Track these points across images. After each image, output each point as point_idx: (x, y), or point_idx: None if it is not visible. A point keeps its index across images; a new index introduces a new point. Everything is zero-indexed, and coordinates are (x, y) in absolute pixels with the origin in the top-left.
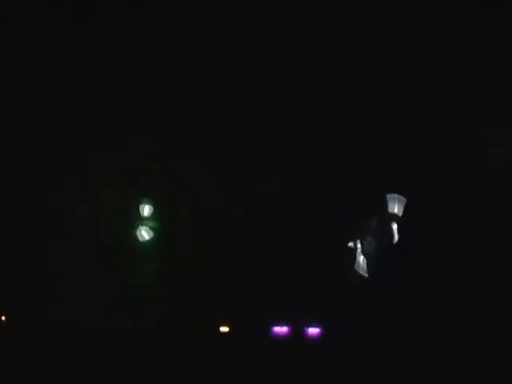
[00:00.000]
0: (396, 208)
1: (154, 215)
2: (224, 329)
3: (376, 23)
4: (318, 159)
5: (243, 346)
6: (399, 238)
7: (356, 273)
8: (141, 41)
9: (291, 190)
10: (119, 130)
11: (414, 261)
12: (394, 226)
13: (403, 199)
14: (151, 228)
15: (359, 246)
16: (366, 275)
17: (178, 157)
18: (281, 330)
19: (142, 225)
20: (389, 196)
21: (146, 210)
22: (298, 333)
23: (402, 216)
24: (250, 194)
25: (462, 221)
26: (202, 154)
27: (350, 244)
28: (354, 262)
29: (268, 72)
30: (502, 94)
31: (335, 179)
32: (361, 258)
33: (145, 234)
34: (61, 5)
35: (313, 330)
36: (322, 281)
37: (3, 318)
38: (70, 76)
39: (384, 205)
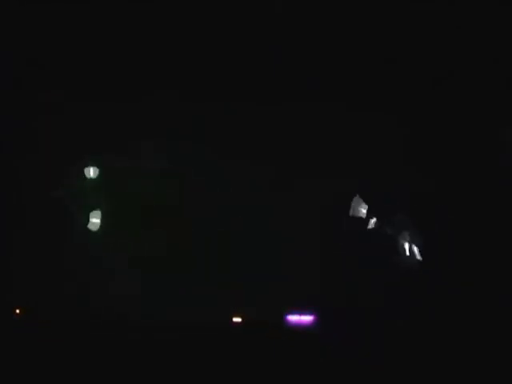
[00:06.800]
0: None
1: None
2: (237, 319)
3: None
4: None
5: (256, 336)
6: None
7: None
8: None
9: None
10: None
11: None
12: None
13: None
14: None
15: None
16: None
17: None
18: (296, 318)
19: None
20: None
21: None
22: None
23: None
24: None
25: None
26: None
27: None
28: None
29: (266, 73)
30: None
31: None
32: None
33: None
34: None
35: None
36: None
37: (17, 311)
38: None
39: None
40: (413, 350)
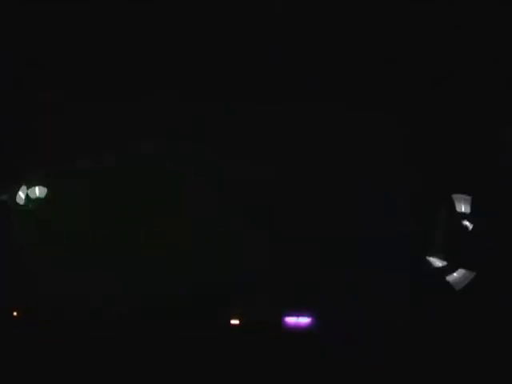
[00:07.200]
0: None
1: None
2: (235, 321)
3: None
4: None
5: (255, 339)
6: None
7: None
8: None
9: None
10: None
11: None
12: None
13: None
14: None
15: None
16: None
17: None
18: (294, 320)
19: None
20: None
21: None
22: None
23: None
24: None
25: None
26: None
27: None
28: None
29: (266, 73)
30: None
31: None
32: None
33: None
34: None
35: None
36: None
37: (15, 313)
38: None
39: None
40: (413, 349)
